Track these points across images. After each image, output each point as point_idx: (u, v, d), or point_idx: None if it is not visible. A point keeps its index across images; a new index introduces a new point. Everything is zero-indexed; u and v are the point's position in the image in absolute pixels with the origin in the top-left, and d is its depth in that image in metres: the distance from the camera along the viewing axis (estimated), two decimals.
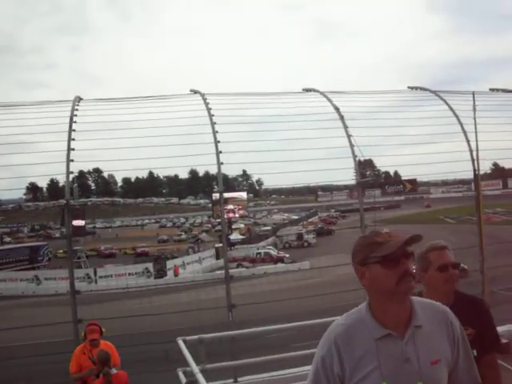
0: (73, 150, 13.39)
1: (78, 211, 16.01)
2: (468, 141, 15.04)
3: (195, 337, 6.15)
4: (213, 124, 13.83)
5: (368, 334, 2.62)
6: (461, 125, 15.19)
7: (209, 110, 14.09)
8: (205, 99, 14.39)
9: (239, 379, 13.13)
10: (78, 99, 14.65)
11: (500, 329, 15.47)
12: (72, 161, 13.34)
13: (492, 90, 17.37)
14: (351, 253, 2.87)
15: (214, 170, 14.03)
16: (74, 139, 13.56)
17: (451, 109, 15.40)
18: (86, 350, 9.10)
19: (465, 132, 15.09)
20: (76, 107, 14.24)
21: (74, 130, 13.69)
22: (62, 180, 13.68)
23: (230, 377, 13.09)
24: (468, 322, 3.43)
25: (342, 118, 14.41)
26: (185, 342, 5.99)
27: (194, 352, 5.91)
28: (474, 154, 14.98)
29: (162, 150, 15.03)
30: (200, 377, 4.84)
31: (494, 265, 16.45)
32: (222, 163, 13.73)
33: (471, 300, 4.06)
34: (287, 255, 52.17)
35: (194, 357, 5.73)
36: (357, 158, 14.26)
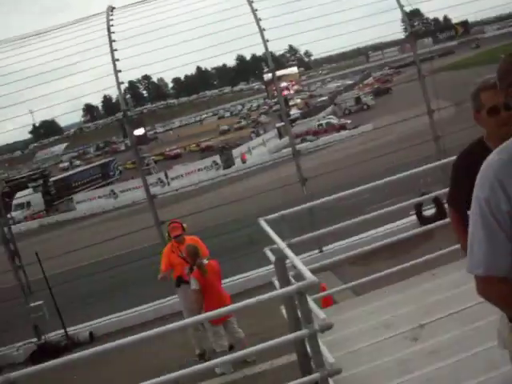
0: (117, 60, 13.39)
1: (136, 120, 16.23)
2: None
3: (276, 214, 6.28)
4: (250, 3, 13.48)
5: None
6: None
7: None
8: None
9: (324, 248, 13.56)
10: (111, 8, 14.46)
11: None
12: (120, 71, 13.38)
13: None
14: (498, 75, 2.55)
15: (260, 51, 13.86)
16: (116, 50, 13.52)
17: None
18: (174, 247, 9.50)
19: None
20: (110, 17, 14.09)
21: (115, 41, 13.62)
22: (114, 94, 13.79)
23: (315, 248, 13.53)
24: None
25: None
26: (266, 221, 6.13)
27: (277, 230, 6.05)
28: None
29: (205, 41, 14.89)
30: (288, 251, 4.97)
31: None
32: (267, 40, 13.47)
33: None
34: (349, 121, 51.64)
35: (277, 234, 5.88)
36: (403, 7, 13.73)
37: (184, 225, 9.70)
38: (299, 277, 4.49)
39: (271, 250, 5.85)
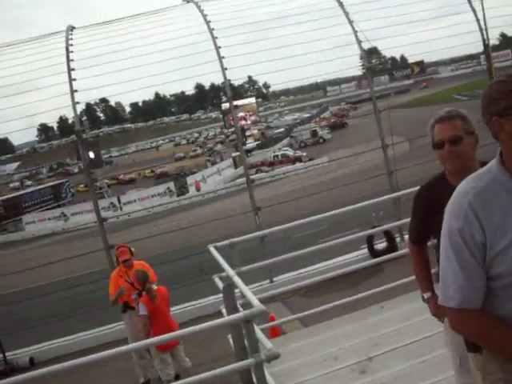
0: (74, 80, 13.24)
1: (91, 143, 16.02)
2: (474, 10, 14.62)
3: (226, 242, 6.22)
4: (211, 31, 13.52)
5: (506, 195, 2.30)
6: None
7: (205, 17, 13.75)
8: (199, 7, 14.02)
9: (274, 279, 13.51)
10: (71, 28, 14.35)
11: None
12: (76, 91, 13.22)
13: None
14: (483, 102, 2.46)
15: (219, 80, 13.89)
16: (73, 69, 13.38)
17: None
18: (122, 272, 9.32)
19: (470, 1, 14.65)
20: (70, 37, 13.96)
21: (73, 60, 13.49)
22: (70, 115, 13.60)
23: (265, 278, 13.47)
24: None
25: (341, 4, 14.01)
26: (216, 248, 6.06)
27: (227, 259, 5.98)
28: (482, 23, 14.60)
29: (164, 66, 14.83)
30: (237, 279, 4.90)
31: None
32: (226, 69, 13.51)
33: None
34: (304, 154, 52.08)
35: (227, 262, 5.82)
36: (362, 44, 13.96)
37: (132, 249, 9.54)
38: (247, 305, 4.41)
39: (220, 277, 5.77)
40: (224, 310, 5.40)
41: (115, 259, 9.77)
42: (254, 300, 4.17)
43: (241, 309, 4.79)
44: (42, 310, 15.80)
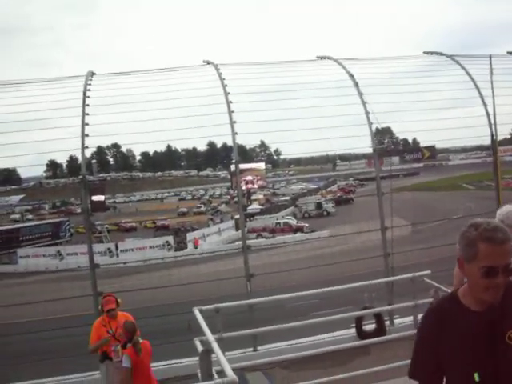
0: (87, 124, 13.38)
1: (97, 186, 16.12)
2: (485, 105, 14.88)
3: (211, 306, 6.19)
4: (226, 94, 13.75)
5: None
6: (477, 89, 15.00)
7: (222, 80, 14.00)
8: (218, 69, 14.29)
9: (259, 348, 13.32)
10: (91, 74, 14.59)
11: None
12: (87, 135, 13.34)
13: (510, 52, 17.06)
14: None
15: (230, 141, 14.02)
16: (88, 114, 13.54)
17: (468, 73, 15.18)
18: (105, 322, 9.22)
19: (482, 96, 14.91)
20: (89, 82, 14.19)
21: (88, 105, 13.67)
22: (80, 156, 13.69)
23: (250, 346, 13.28)
24: None
25: (356, 84, 14.26)
26: (201, 311, 6.02)
27: (212, 322, 5.95)
28: (492, 118, 14.84)
29: (178, 122, 15.02)
30: (215, 346, 4.86)
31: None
32: (236, 133, 13.67)
33: None
34: (306, 224, 52.27)
35: (212, 326, 5.77)
36: (372, 125, 14.15)
37: (119, 300, 9.46)
38: (222, 374, 4.37)
39: (201, 340, 5.73)
40: (200, 375, 5.35)
41: (100, 307, 9.67)
42: (229, 370, 4.14)
43: (216, 376, 4.74)
44: (17, 348, 15.58)
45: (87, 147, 13.27)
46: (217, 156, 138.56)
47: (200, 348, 5.34)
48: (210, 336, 5.16)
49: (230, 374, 4.03)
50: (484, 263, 2.81)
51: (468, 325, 2.50)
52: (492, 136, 14.93)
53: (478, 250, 2.82)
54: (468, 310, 2.91)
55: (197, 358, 11.68)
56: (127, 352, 8.10)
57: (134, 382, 7.92)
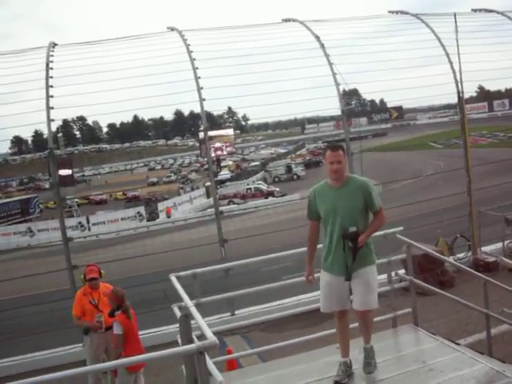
0: (51, 97, 13.19)
1: (64, 160, 15.94)
2: (451, 63, 14.98)
3: (188, 272, 6.21)
4: (192, 60, 13.65)
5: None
6: (443, 47, 15.11)
7: (187, 46, 13.89)
8: (182, 36, 14.15)
9: (236, 312, 13.44)
10: (53, 45, 14.32)
11: (488, 248, 15.66)
12: (52, 108, 13.16)
13: (474, 10, 17.12)
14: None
15: (198, 109, 13.93)
16: (52, 86, 13.34)
17: (433, 31, 15.26)
18: (87, 292, 9.19)
19: (447, 54, 15.01)
20: (51, 53, 13.93)
21: (52, 77, 13.45)
22: (46, 130, 13.48)
23: (228, 311, 13.39)
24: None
25: (322, 46, 14.25)
26: (178, 278, 6.04)
27: (189, 288, 5.97)
28: (458, 76, 14.95)
29: (144, 91, 14.89)
30: (194, 310, 4.89)
31: (480, 186, 16.60)
32: (204, 99, 13.61)
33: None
34: (277, 189, 52.36)
35: (189, 293, 5.80)
36: (340, 86, 14.18)
37: (102, 271, 9.44)
38: (202, 337, 4.41)
39: (179, 307, 5.75)
40: (180, 340, 5.38)
41: (83, 277, 9.60)
42: (208, 332, 4.18)
43: (196, 340, 4.78)
44: None
45: (53, 120, 13.10)
46: (184, 124, 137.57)
47: (178, 314, 5.37)
48: (187, 301, 5.19)
49: (210, 335, 4.07)
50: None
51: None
52: (458, 93, 15.06)
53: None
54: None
55: (175, 326, 11.83)
56: (117, 319, 8.09)
57: (125, 347, 7.93)
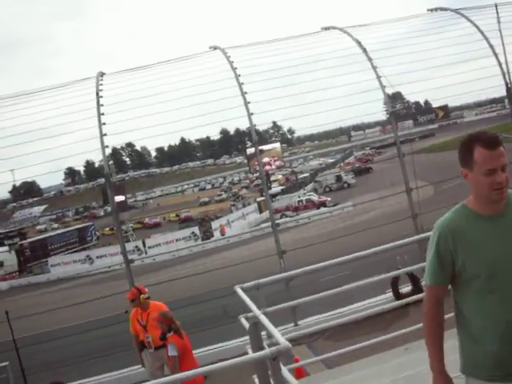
0: (104, 124, 13.52)
1: (118, 187, 16.21)
2: (496, 54, 14.76)
3: (252, 282, 6.26)
4: (237, 77, 13.79)
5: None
6: (486, 40, 14.88)
7: (231, 63, 14.05)
8: (225, 53, 14.33)
9: (299, 322, 13.43)
10: (101, 74, 14.69)
11: None
12: (105, 135, 13.48)
13: None
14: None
15: (244, 125, 14.10)
16: (103, 114, 13.67)
17: (475, 25, 15.06)
18: (138, 312, 9.42)
19: (492, 46, 14.81)
20: (100, 82, 14.30)
21: (102, 105, 13.79)
22: (97, 160, 13.84)
23: (290, 322, 13.39)
24: None
25: (364, 50, 14.24)
26: (242, 289, 6.10)
27: (252, 300, 6.01)
28: (504, 67, 14.72)
29: (189, 111, 15.07)
30: (263, 318, 4.92)
31: None
32: (252, 114, 13.73)
33: None
34: (329, 199, 52.03)
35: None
36: (385, 89, 14.12)
37: (146, 290, 9.61)
38: (273, 345, 4.43)
39: (246, 317, 5.80)
40: (250, 351, 5.42)
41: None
42: (280, 338, 4.20)
43: (267, 348, 4.81)
44: (66, 351, 15.81)
45: (107, 146, 13.41)
46: (231, 142, 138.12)
47: (246, 324, 5.41)
48: (256, 310, 5.22)
49: (283, 341, 4.08)
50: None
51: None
52: (507, 85, 14.80)
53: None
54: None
55: (239, 339, 11.90)
56: (171, 340, 8.20)
57: (181, 366, 8.02)
